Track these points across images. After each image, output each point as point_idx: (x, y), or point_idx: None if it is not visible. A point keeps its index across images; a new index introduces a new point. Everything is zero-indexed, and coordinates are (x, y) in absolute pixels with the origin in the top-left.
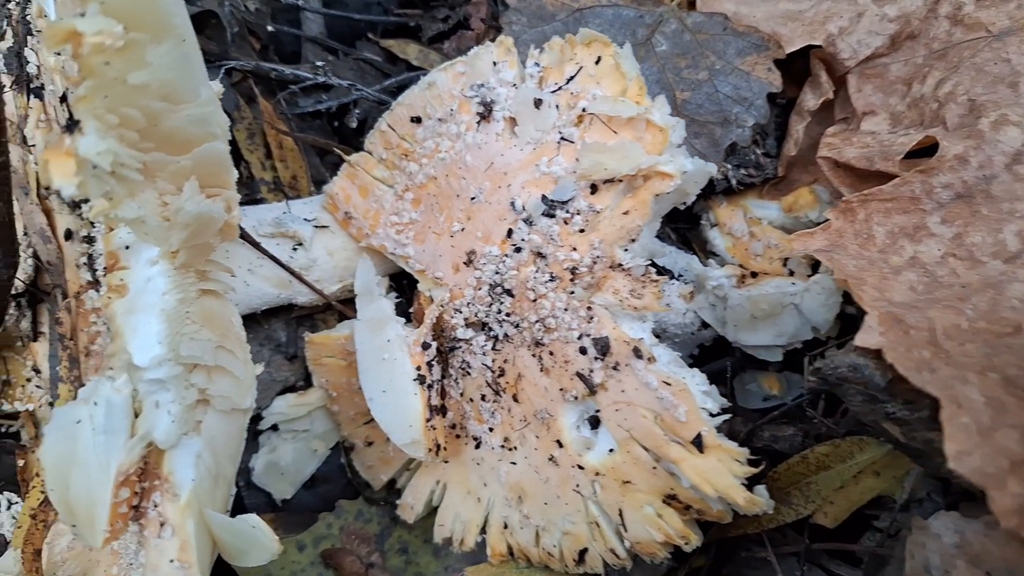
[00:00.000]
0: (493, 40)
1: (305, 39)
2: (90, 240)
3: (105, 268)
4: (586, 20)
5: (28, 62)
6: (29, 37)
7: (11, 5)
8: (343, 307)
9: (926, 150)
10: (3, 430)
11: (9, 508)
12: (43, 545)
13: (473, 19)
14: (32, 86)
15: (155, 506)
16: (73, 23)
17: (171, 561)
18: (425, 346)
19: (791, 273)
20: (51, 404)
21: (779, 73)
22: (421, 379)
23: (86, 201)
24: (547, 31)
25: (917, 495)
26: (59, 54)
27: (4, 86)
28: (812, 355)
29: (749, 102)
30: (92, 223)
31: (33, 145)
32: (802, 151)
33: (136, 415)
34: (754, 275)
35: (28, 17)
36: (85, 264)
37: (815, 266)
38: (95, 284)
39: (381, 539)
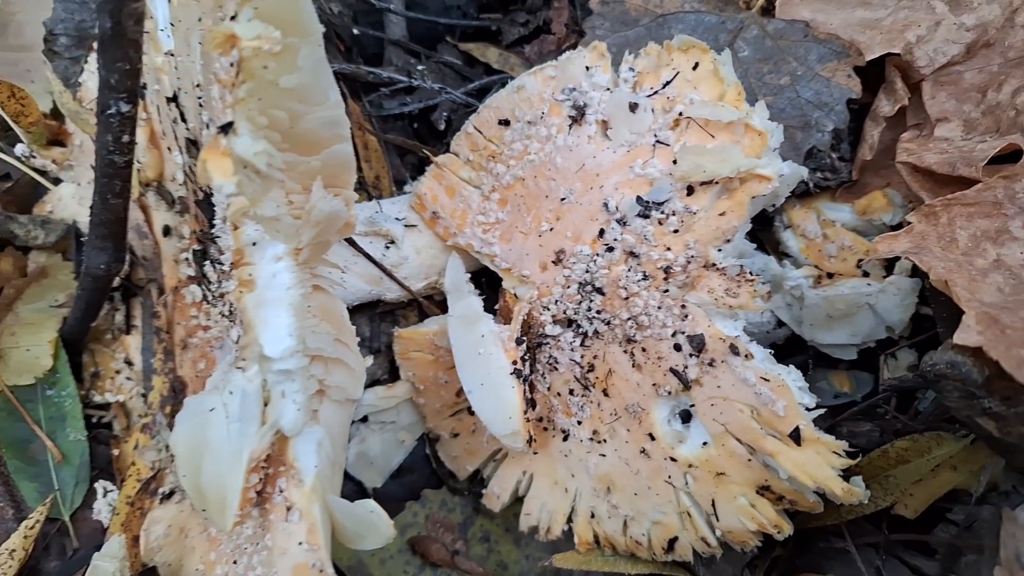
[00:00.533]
0: (574, 45)
1: (388, 42)
2: (211, 238)
3: (232, 264)
4: (669, 25)
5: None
6: None
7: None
8: (429, 304)
9: (1004, 157)
10: (94, 420)
11: (105, 496)
12: (140, 532)
13: (554, 23)
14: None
15: (280, 491)
16: (233, 27)
17: (300, 543)
18: (519, 341)
19: (865, 274)
20: (143, 396)
21: (859, 80)
22: (517, 373)
23: (209, 200)
24: (630, 36)
25: (1002, 488)
26: (171, 55)
27: (144, 87)
28: (887, 354)
29: (829, 107)
30: (212, 221)
31: (136, 143)
32: (875, 155)
33: (264, 404)
34: (830, 276)
35: None
36: (186, 260)
37: (888, 268)
38: (198, 279)
39: (464, 527)
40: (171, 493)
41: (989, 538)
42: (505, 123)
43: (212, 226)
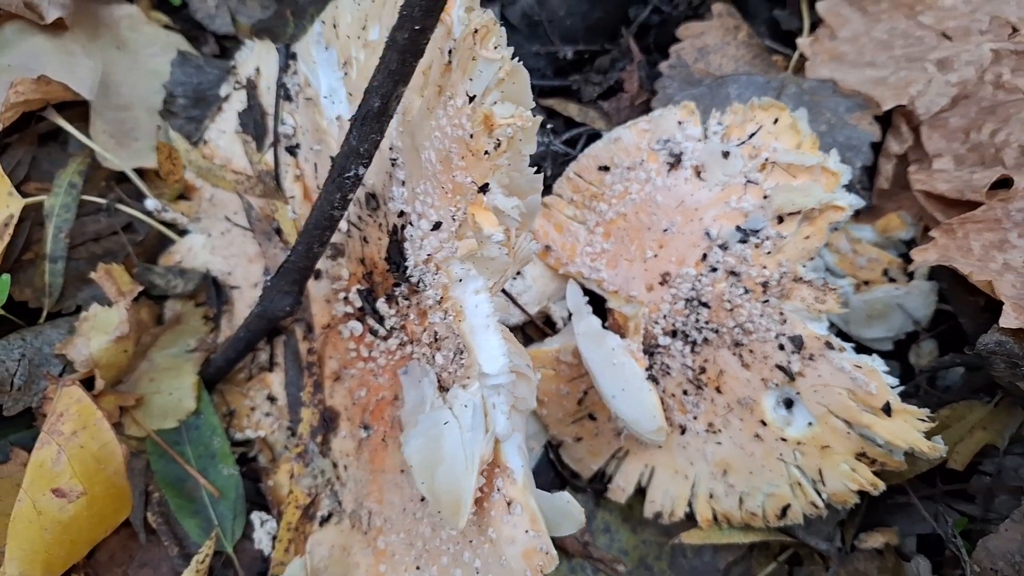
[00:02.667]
0: (646, 100)
1: None
2: (405, 278)
3: (440, 299)
4: (726, 85)
5: (284, 123)
6: (286, 102)
7: (240, 75)
8: (543, 326)
9: (998, 183)
10: (236, 456)
11: (263, 525)
12: (305, 555)
13: (627, 83)
14: (287, 145)
15: (498, 490)
16: (493, 110)
17: (526, 532)
18: (644, 351)
19: (891, 280)
20: (289, 428)
21: (879, 126)
22: (652, 378)
23: (400, 247)
24: (694, 94)
25: None
26: (340, 119)
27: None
28: (915, 344)
29: (858, 148)
30: (403, 264)
31: (292, 196)
32: (889, 185)
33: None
34: (866, 283)
35: (287, 84)
36: (343, 299)
37: (909, 274)
38: (357, 315)
39: (589, 521)
40: (329, 516)
41: (1014, 480)
42: (605, 169)
43: (403, 268)
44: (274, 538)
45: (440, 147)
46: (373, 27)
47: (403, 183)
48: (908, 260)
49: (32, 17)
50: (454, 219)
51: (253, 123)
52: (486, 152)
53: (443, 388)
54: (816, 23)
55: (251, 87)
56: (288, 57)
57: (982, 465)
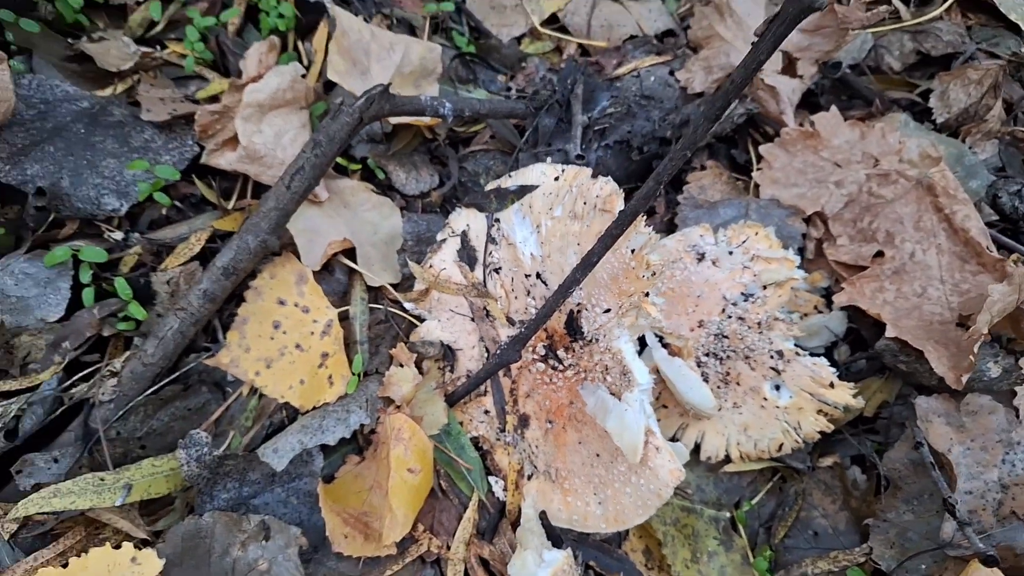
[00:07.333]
0: (671, 218)
1: None
2: (583, 337)
3: (608, 348)
4: (717, 207)
5: (492, 256)
6: (492, 244)
7: (455, 228)
8: None
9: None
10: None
11: (497, 484)
12: (526, 497)
13: (657, 207)
14: (493, 267)
15: (650, 442)
16: (649, 256)
17: (669, 460)
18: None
19: (819, 312)
20: (499, 429)
21: (805, 224)
22: (705, 377)
23: (576, 321)
24: (699, 214)
25: (904, 393)
26: (533, 255)
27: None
28: (837, 348)
29: (794, 238)
30: (581, 331)
31: (500, 296)
32: (813, 257)
33: None
34: (805, 315)
35: (493, 235)
36: (530, 351)
37: (830, 308)
38: (540, 360)
39: None
40: (532, 475)
41: (900, 419)
42: None
43: (581, 332)
44: (504, 490)
45: (610, 272)
46: (557, 208)
47: (581, 288)
48: (828, 300)
49: (311, 198)
50: (620, 308)
51: (467, 256)
52: (643, 276)
53: (613, 394)
54: (759, 158)
55: (464, 236)
56: (494, 220)
57: (882, 414)
